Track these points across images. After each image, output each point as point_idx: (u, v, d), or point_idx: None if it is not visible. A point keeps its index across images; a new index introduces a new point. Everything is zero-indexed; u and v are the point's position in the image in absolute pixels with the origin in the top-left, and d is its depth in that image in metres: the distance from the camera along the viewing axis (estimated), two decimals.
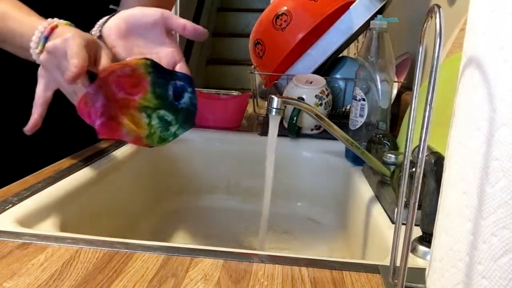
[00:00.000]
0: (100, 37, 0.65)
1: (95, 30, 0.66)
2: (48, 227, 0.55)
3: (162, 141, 0.61)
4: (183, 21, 0.63)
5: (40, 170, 0.67)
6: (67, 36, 0.59)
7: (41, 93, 0.62)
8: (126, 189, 0.80)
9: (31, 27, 0.63)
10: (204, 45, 4.30)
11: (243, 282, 0.41)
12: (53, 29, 0.62)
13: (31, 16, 0.66)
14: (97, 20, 0.70)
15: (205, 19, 4.31)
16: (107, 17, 0.66)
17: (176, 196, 0.98)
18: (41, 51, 0.62)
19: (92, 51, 0.62)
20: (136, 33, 0.64)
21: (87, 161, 0.72)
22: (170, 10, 0.90)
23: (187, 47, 3.84)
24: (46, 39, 0.62)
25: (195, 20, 4.04)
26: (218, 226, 0.91)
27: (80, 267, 0.42)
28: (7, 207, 0.54)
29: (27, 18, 0.65)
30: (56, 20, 0.64)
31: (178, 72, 0.62)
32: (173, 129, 0.62)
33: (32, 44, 0.62)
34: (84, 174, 0.68)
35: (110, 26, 0.64)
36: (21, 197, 0.57)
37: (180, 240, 0.84)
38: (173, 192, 0.97)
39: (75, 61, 0.56)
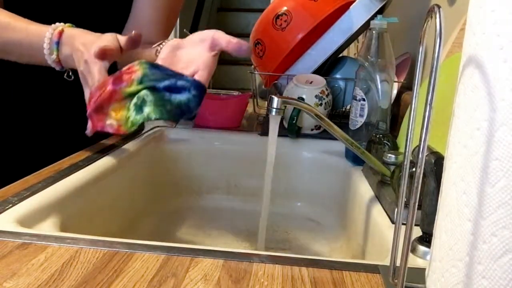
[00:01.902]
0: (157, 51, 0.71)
1: (156, 50, 0.71)
2: (48, 227, 0.55)
3: (132, 125, 0.59)
4: (228, 37, 0.66)
5: (40, 170, 0.67)
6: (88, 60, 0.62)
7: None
8: (126, 189, 0.80)
9: (37, 35, 0.65)
10: None
11: (243, 282, 0.41)
12: (60, 33, 0.66)
13: (32, 24, 0.67)
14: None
15: (205, 19, 4.31)
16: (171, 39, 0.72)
17: (176, 196, 0.98)
18: (57, 57, 0.66)
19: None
20: (183, 48, 0.68)
21: (87, 161, 0.72)
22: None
23: None
24: (58, 44, 0.65)
25: (195, 20, 4.03)
26: (218, 226, 0.91)
27: (80, 267, 0.42)
28: (7, 207, 0.54)
29: (29, 27, 0.67)
30: (59, 25, 0.67)
31: (190, 77, 0.63)
32: (147, 110, 0.59)
33: (46, 51, 0.65)
34: (84, 174, 0.68)
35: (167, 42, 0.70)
36: (21, 197, 0.57)
37: (180, 240, 0.84)
38: (173, 192, 0.97)
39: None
